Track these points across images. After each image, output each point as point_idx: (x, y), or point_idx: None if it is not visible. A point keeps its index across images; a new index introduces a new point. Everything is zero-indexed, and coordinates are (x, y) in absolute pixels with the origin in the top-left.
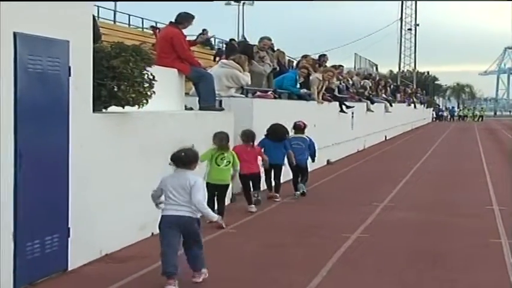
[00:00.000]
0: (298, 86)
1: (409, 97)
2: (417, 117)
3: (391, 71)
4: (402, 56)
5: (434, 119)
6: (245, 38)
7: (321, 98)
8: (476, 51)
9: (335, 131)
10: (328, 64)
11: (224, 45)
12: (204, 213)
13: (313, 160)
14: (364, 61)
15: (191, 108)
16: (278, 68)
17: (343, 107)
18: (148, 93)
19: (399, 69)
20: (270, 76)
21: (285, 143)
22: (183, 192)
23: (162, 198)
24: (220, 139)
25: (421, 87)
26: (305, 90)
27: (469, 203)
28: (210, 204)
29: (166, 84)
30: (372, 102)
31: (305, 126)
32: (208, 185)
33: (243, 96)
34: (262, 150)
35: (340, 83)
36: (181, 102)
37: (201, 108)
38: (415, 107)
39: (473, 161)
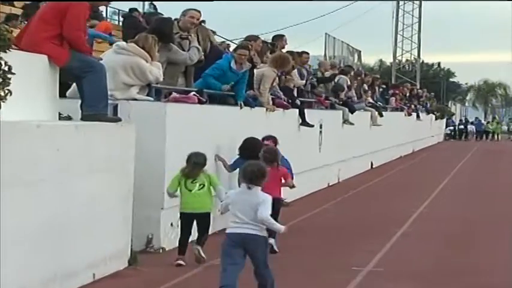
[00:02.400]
0: (238, 81)
1: (410, 102)
2: (421, 133)
3: (381, 61)
4: (399, 37)
5: (447, 137)
6: (155, 7)
7: (270, 102)
8: None
9: (293, 154)
10: (287, 50)
11: (121, 19)
12: (271, 226)
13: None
14: (340, 45)
15: (69, 117)
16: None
17: (306, 117)
18: (1, 93)
19: (394, 58)
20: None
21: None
22: (250, 210)
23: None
24: (193, 166)
25: (429, 87)
26: (250, 92)
27: (492, 270)
28: (183, 238)
29: (31, 79)
30: (352, 111)
31: (276, 143)
32: (183, 216)
33: (151, 99)
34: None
35: (306, 80)
36: (54, 108)
37: (84, 117)
38: (418, 117)
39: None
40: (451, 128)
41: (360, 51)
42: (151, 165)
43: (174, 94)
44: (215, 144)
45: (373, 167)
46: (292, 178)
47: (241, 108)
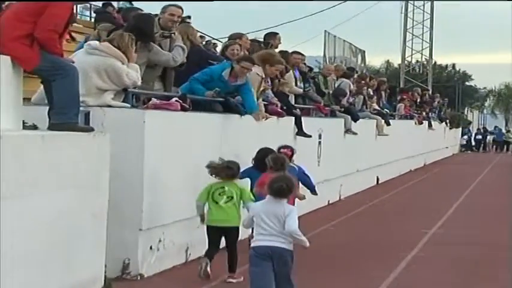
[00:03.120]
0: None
1: (420, 109)
2: (434, 144)
3: (388, 62)
4: (409, 36)
5: (463, 148)
6: (131, 2)
7: (263, 109)
8: None
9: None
10: (280, 50)
11: (93, 15)
12: (298, 239)
13: (313, 192)
14: (341, 45)
15: (34, 126)
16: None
17: (303, 126)
18: None
19: (402, 59)
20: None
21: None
22: (277, 222)
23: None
24: (221, 168)
25: (442, 92)
26: (239, 98)
27: None
28: (209, 252)
29: None
30: (355, 119)
31: (293, 153)
32: (208, 229)
33: (128, 105)
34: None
35: (305, 85)
36: (18, 116)
37: (52, 127)
38: (430, 126)
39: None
40: (467, 138)
41: (364, 51)
42: (128, 180)
43: (154, 100)
44: (200, 156)
45: (379, 182)
46: (313, 184)
47: (241, 116)
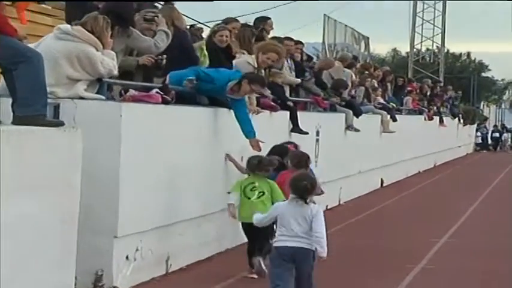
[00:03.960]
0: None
1: (431, 103)
2: (446, 143)
3: (395, 50)
4: (418, 20)
5: (478, 147)
6: None
7: (254, 102)
8: None
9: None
10: (271, 36)
11: None
12: (323, 248)
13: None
14: (343, 30)
15: None
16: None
17: (299, 121)
18: None
19: (411, 47)
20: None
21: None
22: (302, 222)
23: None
24: (256, 163)
25: (455, 84)
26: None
27: None
28: (249, 247)
29: None
30: (357, 113)
31: (297, 149)
32: (243, 225)
33: (103, 97)
34: None
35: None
36: None
37: (17, 120)
38: (441, 122)
39: None
40: (482, 135)
41: (368, 38)
42: (102, 181)
43: (132, 92)
44: (184, 154)
45: (384, 185)
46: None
47: (230, 110)
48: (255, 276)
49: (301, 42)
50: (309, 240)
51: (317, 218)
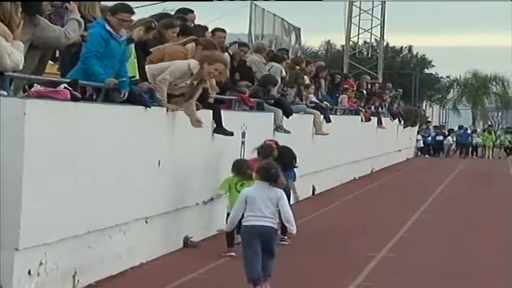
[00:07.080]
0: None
1: (368, 102)
2: (384, 146)
3: (329, 43)
4: (355, 10)
5: (420, 152)
6: None
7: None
8: None
9: (203, 174)
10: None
11: None
12: (293, 226)
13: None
14: (272, 20)
15: None
16: None
17: (223, 121)
18: None
19: (347, 40)
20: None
21: (295, 173)
22: (270, 204)
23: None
24: (239, 169)
25: (395, 81)
26: (144, 85)
27: None
28: (231, 232)
29: None
30: (288, 113)
31: (277, 145)
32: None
33: (4, 93)
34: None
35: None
36: None
37: None
38: (380, 123)
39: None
40: (425, 138)
41: (300, 29)
42: (1, 186)
43: (38, 87)
44: (95, 156)
45: (316, 193)
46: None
47: (147, 108)
48: (233, 254)
49: (224, 31)
50: (275, 221)
51: (283, 199)
